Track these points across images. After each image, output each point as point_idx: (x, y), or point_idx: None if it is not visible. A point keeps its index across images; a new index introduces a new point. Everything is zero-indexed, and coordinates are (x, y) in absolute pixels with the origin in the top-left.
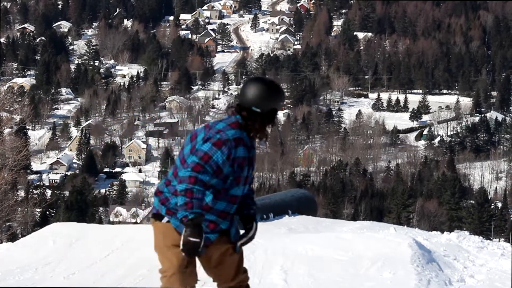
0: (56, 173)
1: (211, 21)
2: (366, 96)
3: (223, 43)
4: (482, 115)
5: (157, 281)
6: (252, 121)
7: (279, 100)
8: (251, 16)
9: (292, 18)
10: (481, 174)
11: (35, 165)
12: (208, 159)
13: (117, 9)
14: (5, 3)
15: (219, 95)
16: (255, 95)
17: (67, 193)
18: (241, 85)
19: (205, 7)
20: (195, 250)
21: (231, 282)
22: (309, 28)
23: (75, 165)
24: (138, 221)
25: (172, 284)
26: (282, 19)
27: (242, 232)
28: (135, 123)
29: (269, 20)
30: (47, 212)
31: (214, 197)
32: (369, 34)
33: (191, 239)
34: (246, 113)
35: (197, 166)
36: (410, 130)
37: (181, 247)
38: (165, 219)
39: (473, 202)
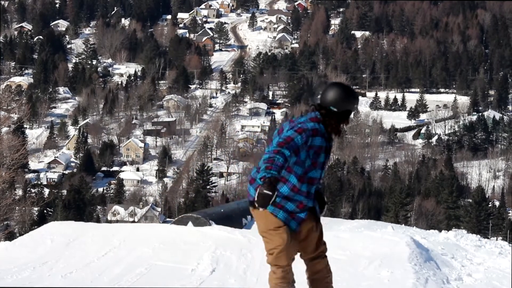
0: (54, 172)
1: (209, 20)
2: (363, 95)
3: (221, 42)
4: (480, 114)
5: (154, 279)
6: (329, 118)
7: (353, 103)
8: (249, 15)
9: (289, 17)
10: (478, 173)
11: (33, 164)
12: (290, 140)
13: (115, 8)
14: (2, 2)
15: (216, 94)
16: (333, 97)
17: (64, 192)
18: (319, 87)
19: (202, 6)
20: (267, 202)
21: (314, 253)
22: (306, 27)
23: (72, 164)
24: (136, 220)
25: (279, 259)
26: (279, 17)
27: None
28: (133, 122)
29: (266, 19)
30: (45, 211)
31: (298, 180)
32: (367, 33)
33: (265, 191)
34: (324, 112)
35: (280, 143)
36: (408, 129)
37: (255, 198)
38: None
39: (470, 200)
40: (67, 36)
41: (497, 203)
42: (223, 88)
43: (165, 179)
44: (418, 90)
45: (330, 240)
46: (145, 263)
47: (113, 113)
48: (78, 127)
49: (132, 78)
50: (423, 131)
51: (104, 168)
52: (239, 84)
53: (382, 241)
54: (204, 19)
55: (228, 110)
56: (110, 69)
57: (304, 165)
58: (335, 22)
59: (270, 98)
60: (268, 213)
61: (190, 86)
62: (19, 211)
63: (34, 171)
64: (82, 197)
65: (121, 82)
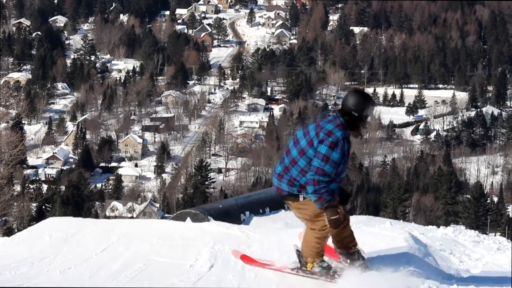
0: (52, 167)
1: (207, 15)
2: None
3: (219, 37)
4: (478, 109)
5: (153, 276)
6: (353, 123)
7: (372, 109)
8: (247, 11)
9: (288, 13)
10: (477, 169)
11: (31, 160)
12: (327, 160)
13: (113, 3)
14: None
15: (215, 89)
16: (355, 102)
17: (63, 187)
18: (346, 94)
19: (201, 2)
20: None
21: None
22: (305, 22)
23: (71, 160)
24: (134, 215)
25: (327, 233)
26: (278, 13)
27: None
28: (131, 118)
29: (265, 14)
30: (43, 207)
31: (333, 181)
32: (365, 28)
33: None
34: (348, 117)
35: (318, 170)
36: (406, 124)
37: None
38: (301, 196)
39: (469, 196)
40: (65, 32)
41: (495, 199)
42: (222, 84)
43: (164, 175)
44: (416, 86)
45: None
46: (144, 258)
47: (112, 109)
48: (76, 123)
49: (131, 74)
50: (421, 127)
51: (102, 164)
52: (238, 80)
53: (380, 237)
54: (202, 15)
55: (227, 106)
56: (108, 65)
57: (338, 168)
58: (334, 18)
59: (269, 94)
60: (307, 201)
61: (189, 82)
62: (18, 207)
63: (32, 167)
64: (80, 193)
65: (120, 78)
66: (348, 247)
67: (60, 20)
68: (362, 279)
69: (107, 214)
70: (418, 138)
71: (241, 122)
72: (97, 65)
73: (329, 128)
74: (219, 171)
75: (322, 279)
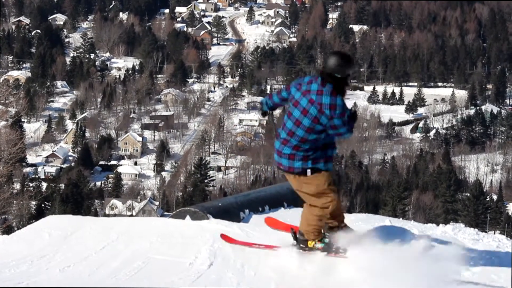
0: (52, 166)
1: (207, 13)
2: (361, 89)
3: (219, 35)
4: (478, 107)
5: (153, 273)
6: (338, 84)
7: (353, 68)
8: (247, 9)
9: (287, 11)
10: (476, 167)
11: (31, 158)
12: (344, 115)
13: (113, 2)
14: None
15: (214, 87)
16: (337, 65)
17: (62, 185)
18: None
19: (200, 0)
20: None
21: None
22: (304, 21)
23: (70, 158)
24: (134, 213)
25: (333, 206)
26: (277, 11)
27: None
28: (131, 116)
29: (264, 12)
30: (43, 205)
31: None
32: (365, 27)
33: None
34: (332, 80)
35: (342, 113)
36: (406, 122)
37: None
38: (309, 171)
39: (468, 194)
40: (65, 30)
41: (494, 197)
42: (221, 82)
43: (163, 173)
44: (416, 84)
45: None
46: (143, 256)
47: (111, 107)
48: (76, 121)
49: (130, 72)
50: (421, 125)
51: (102, 162)
52: (237, 78)
53: None
54: (202, 13)
55: (226, 104)
56: (108, 63)
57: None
58: (333, 16)
59: (268, 92)
60: (318, 176)
61: (188, 80)
62: (17, 205)
63: (32, 165)
64: (80, 191)
65: (119, 76)
66: (340, 220)
67: (60, 18)
68: (371, 254)
69: (107, 212)
70: (417, 136)
71: (240, 120)
72: (97, 63)
73: (328, 102)
74: (219, 169)
75: (332, 255)
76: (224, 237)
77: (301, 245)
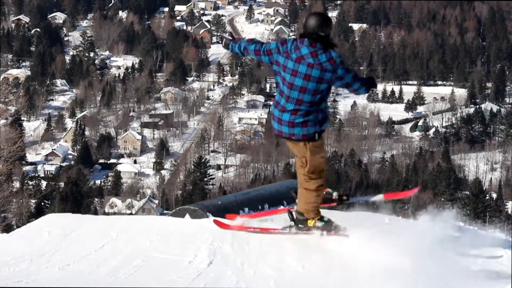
0: (51, 164)
1: (206, 12)
2: None
3: (218, 34)
4: (477, 106)
5: (153, 271)
6: (326, 41)
7: (332, 25)
8: (246, 7)
9: (287, 10)
10: (476, 165)
11: (30, 156)
12: (344, 62)
13: (112, 0)
14: None
15: (214, 86)
16: (318, 24)
17: (62, 184)
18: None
19: None
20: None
21: None
22: (304, 19)
23: (70, 156)
24: (133, 212)
25: (326, 165)
26: (277, 10)
27: None
28: (130, 114)
29: (264, 11)
30: (42, 203)
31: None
32: (364, 25)
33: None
34: (318, 38)
35: (342, 62)
36: (405, 121)
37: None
38: (317, 136)
39: (468, 193)
40: (64, 28)
41: (494, 196)
42: (221, 81)
43: (163, 172)
44: (415, 82)
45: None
46: (143, 255)
47: (111, 105)
48: (75, 120)
49: (130, 70)
50: (420, 123)
51: (101, 161)
52: (237, 76)
53: None
54: (201, 12)
55: (226, 103)
56: (107, 61)
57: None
58: (333, 14)
59: (268, 90)
60: (322, 137)
61: (188, 78)
62: (17, 203)
63: (31, 164)
64: (79, 190)
65: (119, 74)
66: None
67: (59, 17)
68: (372, 234)
69: (106, 210)
70: (417, 134)
71: (240, 119)
72: (96, 61)
73: (325, 58)
74: (218, 167)
75: (332, 233)
76: (217, 222)
77: (300, 225)
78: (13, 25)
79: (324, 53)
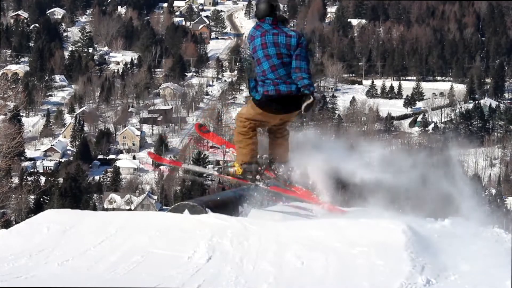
0: (50, 160)
1: (205, 8)
2: (360, 83)
3: (217, 30)
4: (476, 101)
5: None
6: (282, 18)
7: (279, 7)
8: (245, 3)
9: (286, 5)
10: (475, 161)
11: (29, 152)
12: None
13: None
14: None
15: (213, 82)
16: (268, 6)
17: (61, 180)
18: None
19: None
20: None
21: None
22: (303, 14)
23: (69, 152)
24: (132, 208)
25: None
26: None
27: None
28: (129, 110)
29: None
30: (41, 199)
31: None
32: (363, 21)
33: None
34: (279, 18)
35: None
36: (404, 117)
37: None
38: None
39: None
40: (63, 24)
41: (493, 191)
42: (220, 76)
43: (162, 167)
44: (414, 78)
45: (325, 227)
46: (141, 251)
47: (110, 101)
48: (74, 115)
49: (129, 66)
50: (419, 119)
51: (100, 156)
52: (235, 72)
53: (378, 229)
54: (200, 7)
55: (225, 98)
56: (106, 57)
57: None
58: (332, 10)
59: None
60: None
61: (187, 74)
62: (16, 199)
63: (30, 159)
64: (78, 185)
65: (118, 70)
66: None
67: (58, 12)
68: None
69: (105, 206)
70: (416, 130)
71: None
72: (95, 57)
73: (289, 31)
74: (217, 163)
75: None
76: (151, 154)
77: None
78: (12, 20)
79: (287, 29)
